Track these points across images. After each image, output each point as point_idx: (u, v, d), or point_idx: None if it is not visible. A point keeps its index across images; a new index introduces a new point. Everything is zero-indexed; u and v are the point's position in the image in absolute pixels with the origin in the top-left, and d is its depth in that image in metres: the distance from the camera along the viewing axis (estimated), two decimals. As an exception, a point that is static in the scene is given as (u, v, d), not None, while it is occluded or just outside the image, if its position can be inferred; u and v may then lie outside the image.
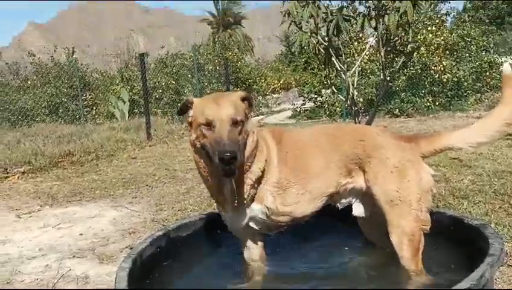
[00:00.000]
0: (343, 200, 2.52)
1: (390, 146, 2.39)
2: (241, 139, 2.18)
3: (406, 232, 2.27)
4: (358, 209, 2.52)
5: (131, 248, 3.42)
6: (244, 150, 2.23)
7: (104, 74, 19.24)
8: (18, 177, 7.09)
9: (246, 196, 2.34)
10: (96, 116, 15.91)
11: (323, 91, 14.15)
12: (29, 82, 17.18)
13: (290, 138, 2.52)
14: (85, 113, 15.36)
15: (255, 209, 2.38)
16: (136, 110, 14.73)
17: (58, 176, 7.16)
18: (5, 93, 15.38)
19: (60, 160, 8.15)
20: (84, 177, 6.94)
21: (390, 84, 10.40)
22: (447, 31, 13.78)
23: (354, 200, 2.51)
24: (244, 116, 2.25)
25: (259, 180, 2.35)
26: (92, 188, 6.22)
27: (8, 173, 7.33)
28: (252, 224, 2.44)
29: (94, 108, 16.35)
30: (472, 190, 4.45)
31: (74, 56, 18.39)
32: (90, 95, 16.53)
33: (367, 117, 7.30)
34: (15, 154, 8.34)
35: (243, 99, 2.32)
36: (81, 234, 4.42)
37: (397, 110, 12.72)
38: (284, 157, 2.41)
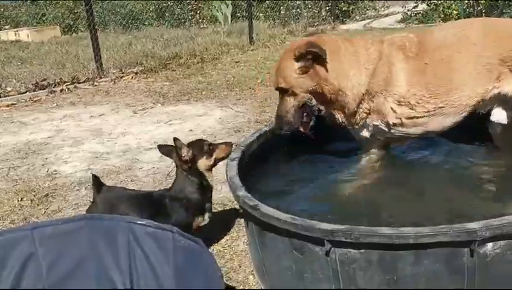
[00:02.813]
0: (486, 107, 2.32)
1: None
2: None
3: None
4: (499, 115, 2.31)
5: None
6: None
7: (207, -23, 19.09)
8: (132, 77, 7.56)
9: (356, 118, 2.31)
10: (200, 20, 16.12)
11: (438, -8, 12.87)
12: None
13: (433, 47, 2.25)
14: (190, 17, 15.62)
15: (376, 124, 2.32)
16: (239, 14, 14.64)
17: (167, 77, 7.52)
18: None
19: (168, 62, 8.50)
20: (191, 79, 7.23)
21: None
22: None
23: (495, 105, 2.30)
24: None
25: (360, 102, 2.26)
26: (198, 89, 6.48)
27: (123, 72, 7.84)
28: (376, 136, 2.39)
29: (198, 12, 16.54)
30: None
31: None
32: (194, -2, 16.66)
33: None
34: (128, 56, 8.84)
35: (300, 56, 2.19)
36: (190, 130, 4.69)
37: (525, 13, 11.26)
38: (421, 70, 2.20)
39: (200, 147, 2.45)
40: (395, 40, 2.30)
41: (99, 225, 1.92)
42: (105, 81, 7.41)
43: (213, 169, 2.52)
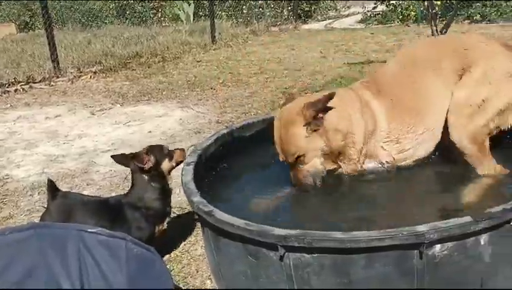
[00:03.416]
0: None
1: (498, 55, 2.20)
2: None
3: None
4: None
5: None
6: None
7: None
8: (90, 77, 7.38)
9: (355, 164, 2.32)
10: (161, 18, 15.91)
11: (396, -6, 13.16)
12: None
13: (389, 80, 2.32)
14: (151, 15, 15.39)
15: (371, 166, 2.34)
16: (201, 13, 14.53)
17: (127, 76, 7.38)
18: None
19: (128, 61, 8.35)
20: (152, 79, 7.12)
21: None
22: None
23: None
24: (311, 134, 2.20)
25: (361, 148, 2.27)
26: (159, 89, 6.39)
27: (81, 72, 7.64)
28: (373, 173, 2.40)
29: (160, 10, 16.31)
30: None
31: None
32: (155, -4, 16.39)
33: (444, 22, 6.77)
34: (87, 55, 8.63)
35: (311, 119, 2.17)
36: (149, 132, 4.62)
37: (478, 15, 11.66)
38: (391, 106, 2.26)
39: (160, 149, 2.46)
40: (358, 85, 2.38)
41: (49, 233, 1.86)
42: (62, 81, 7.20)
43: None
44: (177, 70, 7.66)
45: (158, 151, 2.43)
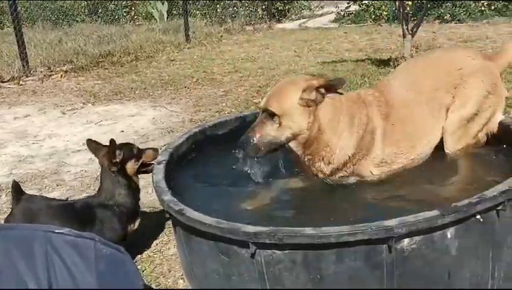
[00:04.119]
0: None
1: (483, 69, 2.33)
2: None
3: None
4: None
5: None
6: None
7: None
8: (61, 76, 7.24)
9: (337, 174, 2.26)
10: (135, 17, 15.71)
11: (369, -6, 13.30)
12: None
13: (396, 104, 2.30)
14: (124, 14, 15.18)
15: (353, 182, 2.29)
16: (175, 11, 14.42)
17: (99, 75, 7.26)
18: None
19: (100, 60, 8.22)
20: (124, 78, 7.03)
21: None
22: None
23: None
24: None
25: (345, 163, 2.22)
26: (132, 88, 6.31)
27: (51, 71, 7.48)
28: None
29: (133, 8, 16.11)
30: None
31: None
32: (128, -6, 16.17)
33: (415, 22, 6.88)
34: (57, 53, 8.46)
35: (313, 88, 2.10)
36: (122, 131, 4.55)
37: (448, 15, 11.90)
38: (391, 130, 2.27)
39: (130, 149, 2.43)
40: (371, 100, 2.30)
41: (14, 234, 1.81)
42: (32, 80, 7.05)
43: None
44: (150, 69, 7.58)
45: (127, 151, 2.40)
